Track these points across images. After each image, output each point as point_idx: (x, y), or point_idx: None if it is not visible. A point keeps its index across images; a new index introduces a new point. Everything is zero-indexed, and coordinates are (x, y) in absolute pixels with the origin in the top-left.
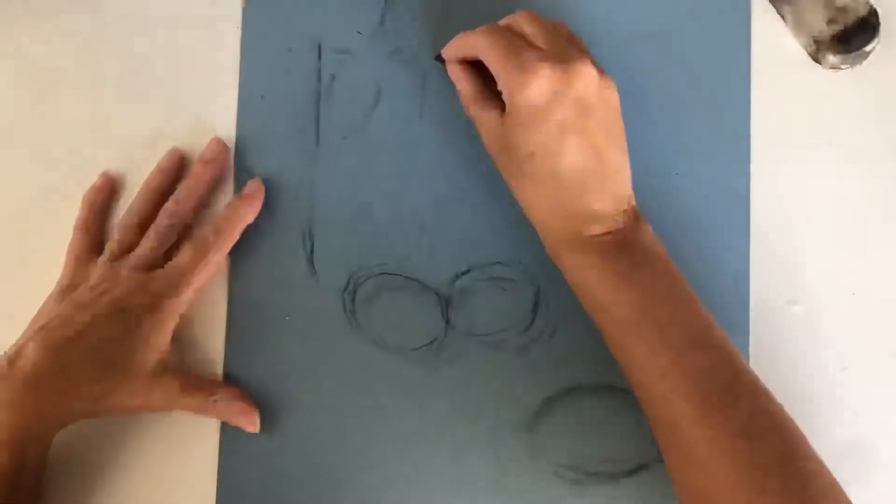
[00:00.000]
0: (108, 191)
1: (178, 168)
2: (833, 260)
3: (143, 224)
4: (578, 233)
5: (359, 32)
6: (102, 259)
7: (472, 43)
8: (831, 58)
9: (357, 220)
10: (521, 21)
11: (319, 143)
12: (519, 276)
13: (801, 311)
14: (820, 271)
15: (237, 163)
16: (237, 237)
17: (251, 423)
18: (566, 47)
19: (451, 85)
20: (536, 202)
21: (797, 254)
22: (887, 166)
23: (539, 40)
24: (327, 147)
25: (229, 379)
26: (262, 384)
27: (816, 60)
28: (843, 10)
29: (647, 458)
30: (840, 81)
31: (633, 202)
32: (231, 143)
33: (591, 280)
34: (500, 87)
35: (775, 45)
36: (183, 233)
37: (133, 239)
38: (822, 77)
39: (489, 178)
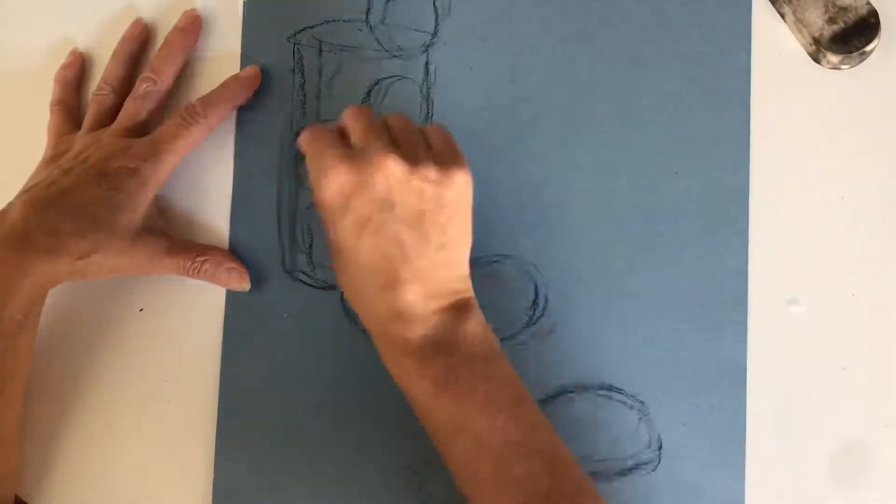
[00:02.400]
0: (79, 66)
1: (144, 36)
2: (833, 260)
3: (118, 92)
4: (395, 334)
5: (360, 30)
6: (82, 132)
7: (300, 143)
8: (831, 57)
9: None
10: (346, 117)
11: None
12: (517, 273)
13: (802, 311)
14: (820, 271)
15: (236, 157)
16: (225, 115)
17: (241, 282)
18: (373, 139)
19: (453, 83)
20: (351, 298)
21: (797, 253)
22: (887, 165)
23: (355, 136)
24: None
25: (227, 375)
26: (260, 381)
27: (816, 60)
28: (843, 9)
29: (644, 458)
30: (840, 81)
31: (463, 300)
32: (231, 138)
33: (410, 384)
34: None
35: (775, 44)
36: (161, 101)
37: (110, 106)
38: (822, 76)
39: (487, 175)
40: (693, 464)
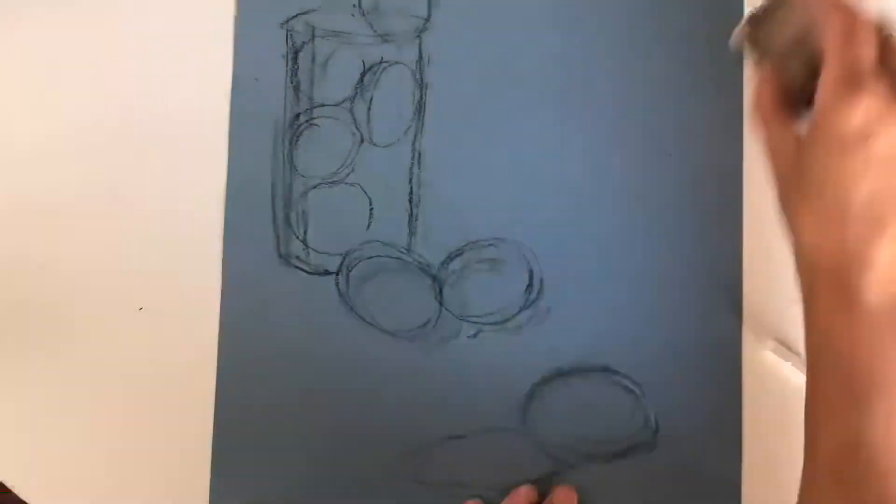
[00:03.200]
0: None
1: None
2: None
3: None
4: (854, 288)
5: (353, 15)
6: None
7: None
8: None
9: (350, 202)
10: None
11: (312, 124)
12: (513, 257)
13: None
14: None
15: (231, 144)
16: None
17: None
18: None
19: (446, 68)
20: (815, 241)
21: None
22: None
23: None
24: (320, 128)
25: (224, 362)
26: (257, 368)
27: None
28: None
29: (640, 440)
30: None
31: None
32: (225, 125)
33: (860, 352)
34: (820, 83)
35: None
36: None
37: None
38: None
39: (480, 158)
40: (690, 445)
